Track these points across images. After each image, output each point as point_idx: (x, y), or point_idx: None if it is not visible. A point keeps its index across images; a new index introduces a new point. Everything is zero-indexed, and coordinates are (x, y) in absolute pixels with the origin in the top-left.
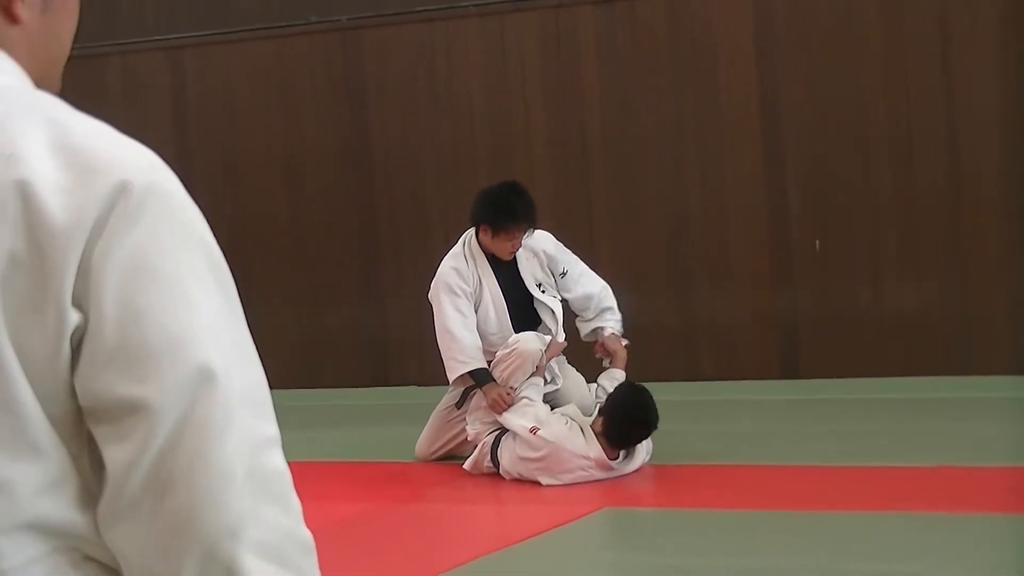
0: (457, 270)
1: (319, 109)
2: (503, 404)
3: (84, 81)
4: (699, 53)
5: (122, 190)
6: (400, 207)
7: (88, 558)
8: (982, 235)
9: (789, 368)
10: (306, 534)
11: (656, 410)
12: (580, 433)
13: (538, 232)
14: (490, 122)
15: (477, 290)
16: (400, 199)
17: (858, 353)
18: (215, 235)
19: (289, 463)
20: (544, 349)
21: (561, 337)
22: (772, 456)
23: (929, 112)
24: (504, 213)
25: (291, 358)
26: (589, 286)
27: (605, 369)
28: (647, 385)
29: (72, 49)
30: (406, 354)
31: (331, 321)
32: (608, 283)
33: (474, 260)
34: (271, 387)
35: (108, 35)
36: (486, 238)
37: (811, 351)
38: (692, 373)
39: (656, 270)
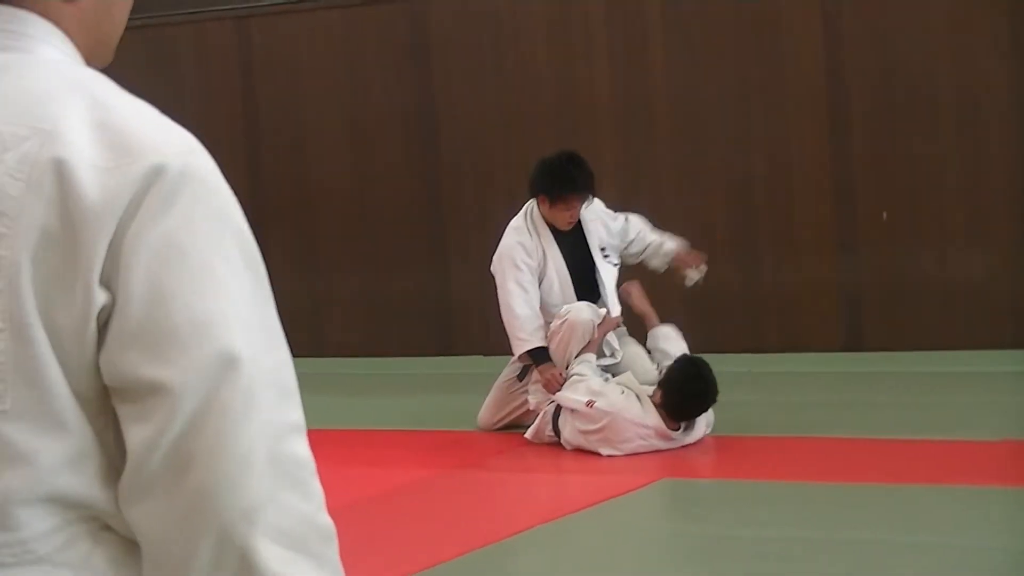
0: (522, 245)
1: (385, 77)
2: (556, 384)
3: (155, 50)
4: (765, 19)
5: (158, 172)
6: (465, 175)
7: (107, 528)
8: None
9: (853, 340)
10: (327, 521)
11: (715, 383)
12: (637, 401)
13: (596, 201)
14: (555, 89)
15: (541, 263)
16: (465, 166)
17: (923, 325)
18: (282, 201)
19: (353, 430)
20: (597, 322)
21: (616, 312)
22: (833, 428)
23: (997, 79)
24: (562, 182)
25: (357, 326)
26: (648, 232)
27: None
28: (710, 356)
29: (142, 18)
30: (471, 323)
31: (397, 289)
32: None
33: (537, 232)
34: (335, 354)
35: (178, 4)
36: (544, 208)
37: (875, 322)
38: (756, 344)
39: (720, 239)
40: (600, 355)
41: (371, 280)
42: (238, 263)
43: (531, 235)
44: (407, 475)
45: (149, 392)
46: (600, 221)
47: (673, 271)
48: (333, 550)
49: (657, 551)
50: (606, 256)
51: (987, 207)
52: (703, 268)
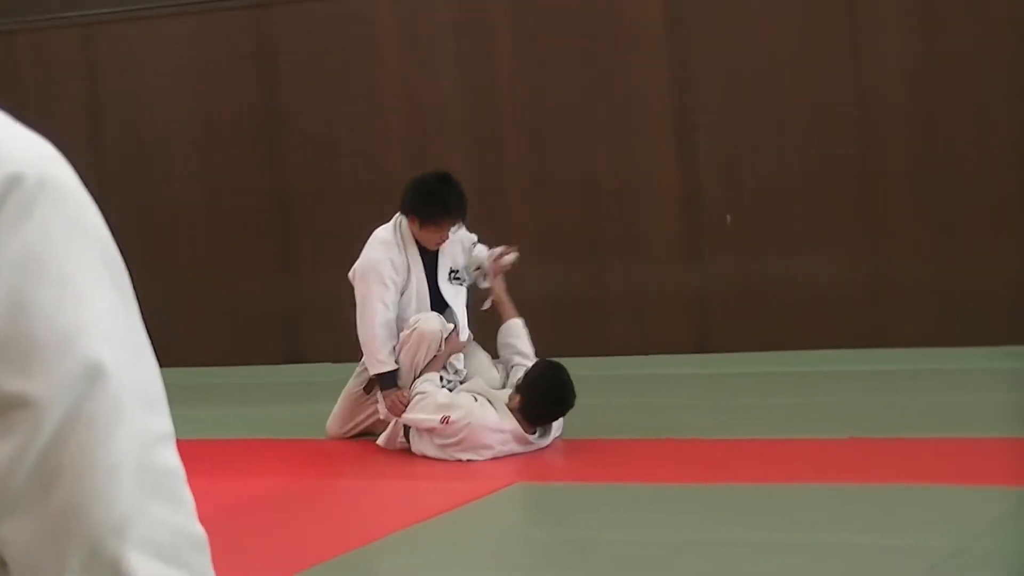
0: (391, 261)
1: (232, 86)
2: (400, 408)
3: None
4: (609, 25)
5: (13, 183)
6: (314, 182)
7: None
8: (891, 206)
9: (701, 342)
10: (199, 531)
11: (573, 388)
12: (490, 406)
13: (462, 231)
14: (403, 96)
15: (406, 279)
16: (314, 174)
17: (770, 326)
18: (128, 211)
19: (202, 440)
20: (445, 334)
21: (464, 336)
22: (685, 430)
23: (839, 82)
24: (433, 205)
25: (204, 334)
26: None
27: (501, 324)
28: (560, 360)
29: None
30: (319, 330)
31: (244, 297)
32: (521, 255)
33: (405, 248)
34: (186, 364)
35: (18, 11)
36: (414, 228)
37: (722, 325)
38: (604, 347)
39: (569, 244)
40: (443, 373)
41: (219, 289)
42: (100, 274)
43: (400, 250)
44: (260, 485)
45: (12, 406)
46: (459, 243)
47: (492, 276)
48: (206, 559)
49: (515, 556)
50: (456, 278)
51: (831, 209)
52: (515, 253)
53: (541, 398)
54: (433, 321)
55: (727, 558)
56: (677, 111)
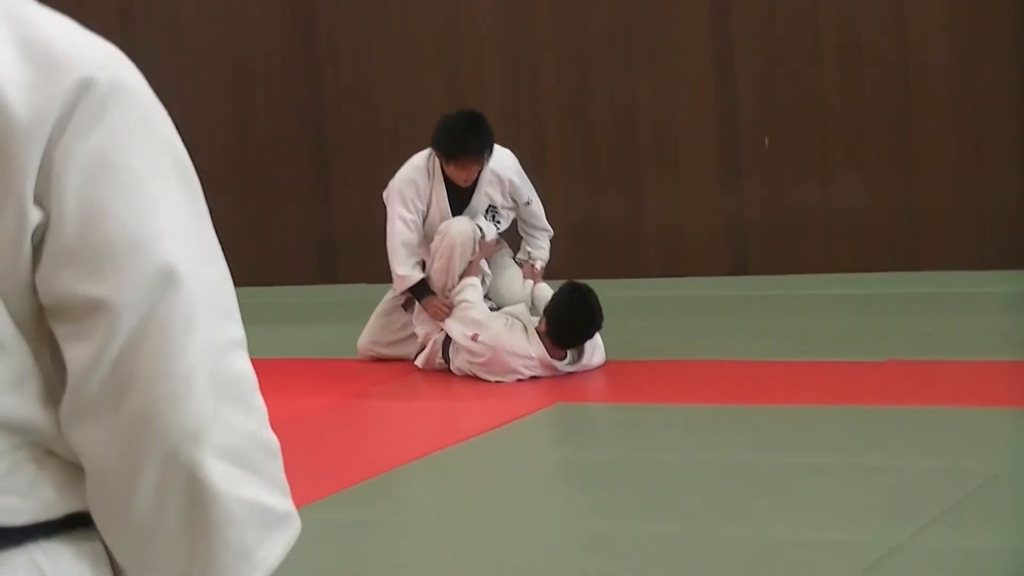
0: (415, 183)
1: (268, 16)
2: (443, 313)
3: None
4: None
5: (86, 87)
6: (348, 105)
7: (50, 452)
8: (929, 133)
9: (738, 265)
10: (271, 438)
11: (600, 309)
12: (522, 332)
13: (504, 155)
14: (439, 25)
15: (428, 209)
16: (349, 97)
17: (806, 250)
18: None
19: None
20: (477, 236)
21: (491, 236)
22: (722, 352)
23: (879, 9)
24: (456, 144)
25: (240, 257)
26: (540, 224)
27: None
28: (595, 282)
29: None
30: (355, 253)
31: (280, 220)
32: (558, 181)
33: (432, 177)
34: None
35: None
36: (442, 162)
37: (759, 248)
38: (641, 270)
39: (605, 168)
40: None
41: (255, 212)
42: (172, 178)
43: (427, 177)
44: (295, 405)
45: (87, 311)
46: (498, 182)
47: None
48: (278, 466)
49: (553, 476)
50: (493, 217)
51: (868, 134)
52: (530, 283)
53: (565, 321)
54: (463, 222)
55: (766, 479)
56: (716, 36)
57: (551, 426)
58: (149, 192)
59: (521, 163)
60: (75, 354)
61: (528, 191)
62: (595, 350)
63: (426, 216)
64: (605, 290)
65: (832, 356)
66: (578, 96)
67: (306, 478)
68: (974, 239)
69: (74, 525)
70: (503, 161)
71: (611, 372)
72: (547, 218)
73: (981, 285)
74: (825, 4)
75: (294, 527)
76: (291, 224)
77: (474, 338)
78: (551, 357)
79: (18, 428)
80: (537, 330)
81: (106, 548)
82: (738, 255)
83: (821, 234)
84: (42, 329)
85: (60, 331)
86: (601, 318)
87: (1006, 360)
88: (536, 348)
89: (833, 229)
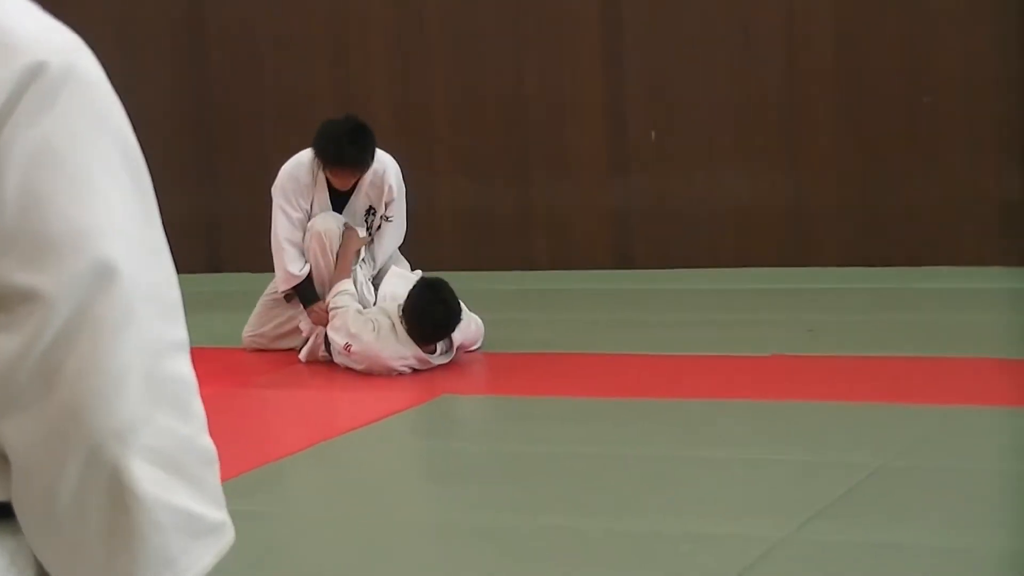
0: (298, 179)
1: None
2: (326, 318)
3: None
4: None
5: (37, 72)
6: (235, 94)
7: None
8: (815, 127)
9: (624, 258)
10: (208, 443)
11: (456, 303)
12: (391, 332)
13: (390, 163)
14: (327, 7)
15: (309, 205)
16: (236, 81)
17: (692, 244)
18: None
19: None
20: (341, 231)
21: (362, 233)
22: (608, 345)
23: (768, 3)
24: (334, 153)
25: None
26: (385, 246)
27: None
28: (483, 274)
29: None
30: (240, 241)
31: (167, 208)
32: (447, 171)
33: (315, 175)
34: None
35: None
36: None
37: (645, 241)
38: (528, 262)
39: (493, 159)
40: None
41: None
42: (120, 172)
43: (309, 175)
44: None
45: (21, 300)
46: (380, 186)
47: None
48: (214, 474)
49: (439, 468)
50: (370, 219)
51: (756, 129)
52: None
53: (421, 318)
54: (329, 219)
55: (652, 473)
56: (605, 27)
57: (437, 418)
58: (95, 184)
59: (409, 153)
60: (5, 345)
61: (399, 210)
62: (467, 331)
63: (310, 214)
64: (493, 282)
65: (718, 350)
66: (467, 86)
67: None
68: (859, 236)
69: None
70: (389, 168)
71: (498, 364)
72: (433, 210)
73: (865, 281)
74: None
75: (225, 537)
76: (176, 209)
77: (347, 348)
78: (423, 352)
79: None
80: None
81: (29, 552)
82: (625, 248)
83: (707, 228)
84: None
85: None
86: (459, 311)
87: (887, 356)
88: (409, 346)
89: (719, 223)
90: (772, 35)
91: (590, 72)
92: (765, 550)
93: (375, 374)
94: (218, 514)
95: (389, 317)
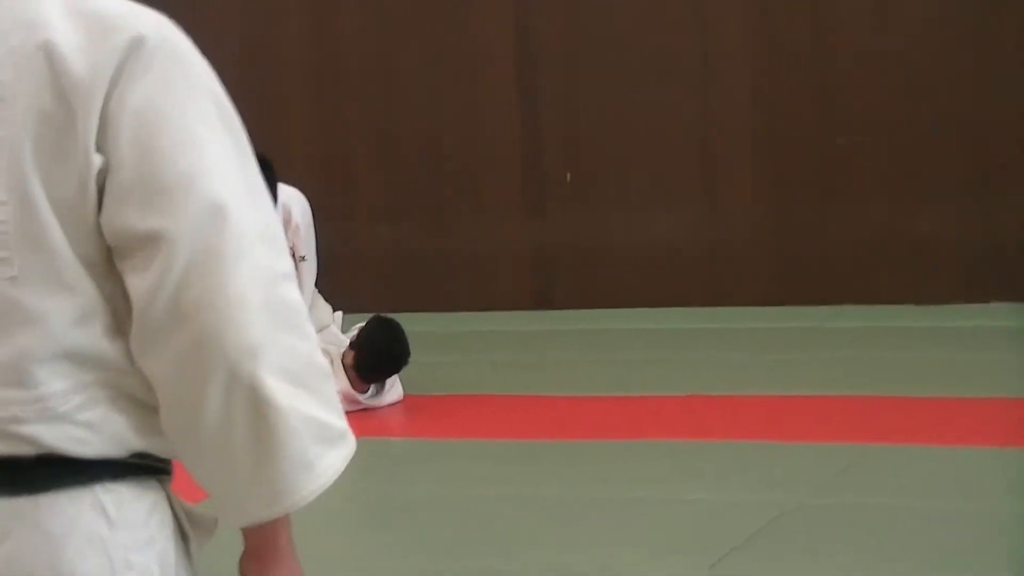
0: None
1: None
2: None
3: None
4: None
5: (137, 43)
6: None
7: (124, 394)
8: (731, 167)
9: (544, 299)
10: (323, 360)
11: (407, 345)
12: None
13: (299, 198)
14: (245, 46)
15: None
16: None
17: (611, 284)
18: None
19: None
20: None
21: None
22: (527, 387)
23: (683, 43)
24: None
25: None
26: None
27: None
28: (402, 316)
29: None
30: None
31: None
32: (365, 213)
33: None
34: None
35: None
36: None
37: (563, 282)
38: (448, 303)
39: (412, 201)
40: None
41: None
42: (215, 122)
43: None
44: None
45: (147, 243)
46: (287, 221)
47: None
48: (332, 388)
49: (354, 512)
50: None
51: (672, 169)
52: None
53: (376, 354)
54: None
55: (569, 513)
56: (520, 69)
57: (352, 460)
58: (196, 135)
59: (327, 194)
60: (138, 285)
61: (308, 247)
62: (395, 383)
63: None
64: (412, 324)
65: (636, 391)
66: (385, 127)
67: None
68: (775, 274)
69: (139, 472)
70: (297, 203)
71: (415, 406)
72: (353, 251)
73: (782, 320)
74: (630, 41)
75: (351, 444)
76: None
77: None
78: (354, 390)
79: (91, 361)
80: (344, 363)
81: (169, 501)
82: (544, 289)
83: (626, 268)
84: (110, 271)
85: (124, 266)
86: (408, 354)
87: (805, 394)
88: (340, 382)
89: (637, 263)
90: (688, 75)
91: (506, 113)
92: None
93: None
94: (341, 423)
95: (327, 353)
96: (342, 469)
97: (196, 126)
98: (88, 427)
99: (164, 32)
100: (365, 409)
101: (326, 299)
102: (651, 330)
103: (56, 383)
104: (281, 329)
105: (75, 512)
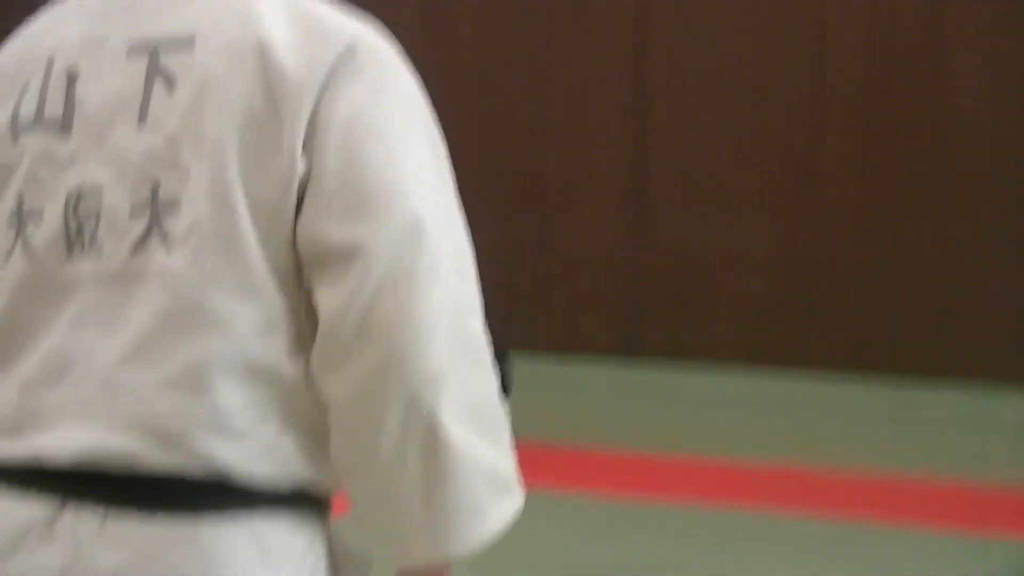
0: None
1: None
2: None
3: None
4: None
5: (349, 51)
6: None
7: (296, 415)
8: (839, 197)
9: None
10: (501, 403)
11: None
12: None
13: None
14: None
15: None
16: None
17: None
18: None
19: None
20: None
21: None
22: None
23: (798, 77)
24: None
25: None
26: None
27: None
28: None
29: None
30: None
31: None
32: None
33: None
34: None
35: None
36: None
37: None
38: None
39: None
40: None
41: None
42: (420, 139)
43: None
44: None
45: (344, 254)
46: None
47: None
48: (507, 430)
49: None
50: None
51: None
52: None
53: None
54: None
55: None
56: (635, 96)
57: None
58: (401, 148)
59: None
60: (329, 300)
61: None
62: None
63: None
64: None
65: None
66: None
67: None
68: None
69: (299, 504)
70: None
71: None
72: None
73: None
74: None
75: (520, 497)
76: None
77: None
78: None
79: (268, 376)
80: None
81: (325, 537)
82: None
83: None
84: (297, 280)
85: (316, 278)
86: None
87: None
88: None
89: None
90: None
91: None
92: None
93: None
94: (512, 471)
95: None
96: (511, 520)
97: (402, 138)
98: (260, 447)
99: (377, 41)
100: None
101: None
102: None
103: (234, 396)
104: (466, 362)
105: (233, 542)
